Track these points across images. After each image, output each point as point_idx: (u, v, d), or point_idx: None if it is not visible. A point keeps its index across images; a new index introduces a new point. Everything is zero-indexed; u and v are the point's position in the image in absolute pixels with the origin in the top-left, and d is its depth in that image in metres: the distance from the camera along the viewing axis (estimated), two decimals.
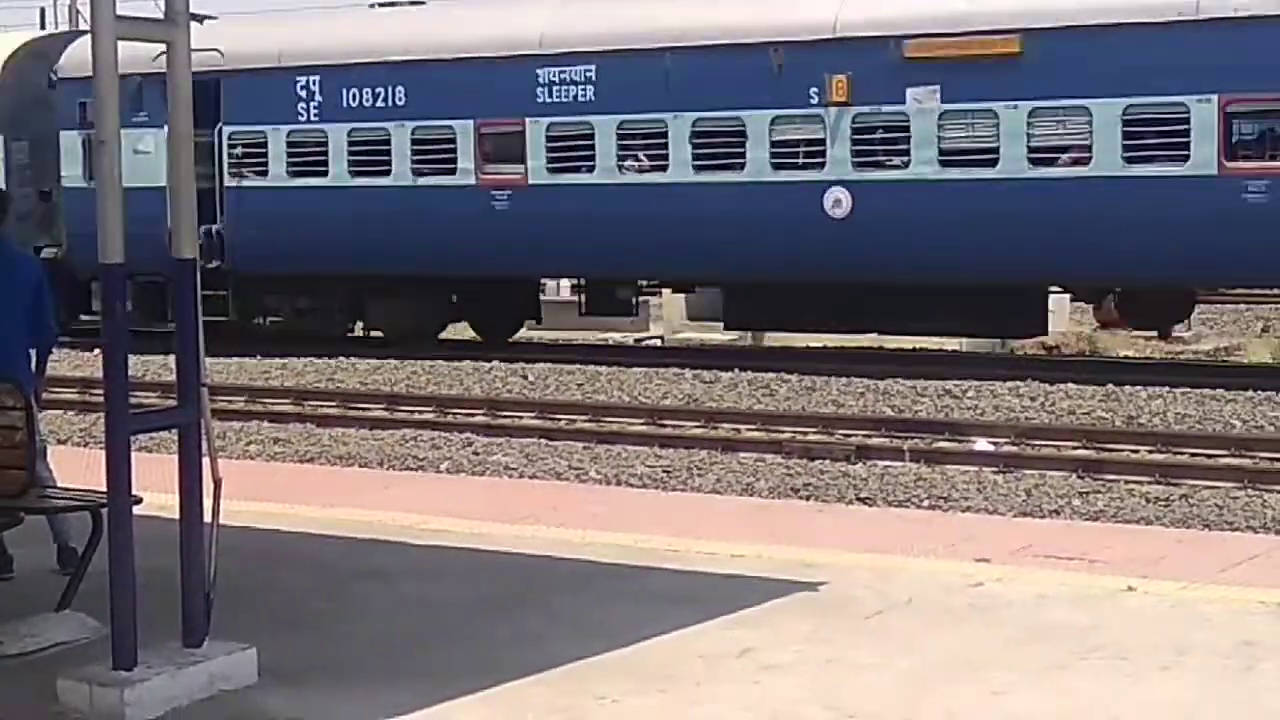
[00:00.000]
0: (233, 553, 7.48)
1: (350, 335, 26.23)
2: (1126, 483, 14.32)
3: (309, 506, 11.26)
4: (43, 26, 46.02)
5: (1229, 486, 14.07)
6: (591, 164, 22.81)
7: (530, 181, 23.16)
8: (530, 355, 23.36)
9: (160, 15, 7.30)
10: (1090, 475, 14.66)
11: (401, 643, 7.79)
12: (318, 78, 24.72)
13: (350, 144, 24.53)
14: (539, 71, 22.96)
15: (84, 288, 26.20)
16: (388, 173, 24.22)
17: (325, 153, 24.76)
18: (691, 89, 21.94)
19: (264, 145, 25.31)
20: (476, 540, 10.01)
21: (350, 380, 22.40)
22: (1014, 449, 15.90)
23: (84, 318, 28.28)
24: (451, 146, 23.72)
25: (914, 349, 23.93)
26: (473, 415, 18.96)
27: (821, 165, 21.34)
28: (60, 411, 19.56)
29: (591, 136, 22.70)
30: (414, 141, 23.99)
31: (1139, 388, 18.91)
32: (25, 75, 27.67)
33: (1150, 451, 15.66)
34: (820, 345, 24.59)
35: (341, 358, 24.04)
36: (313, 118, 24.82)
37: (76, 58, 26.53)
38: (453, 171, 23.70)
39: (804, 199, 21.35)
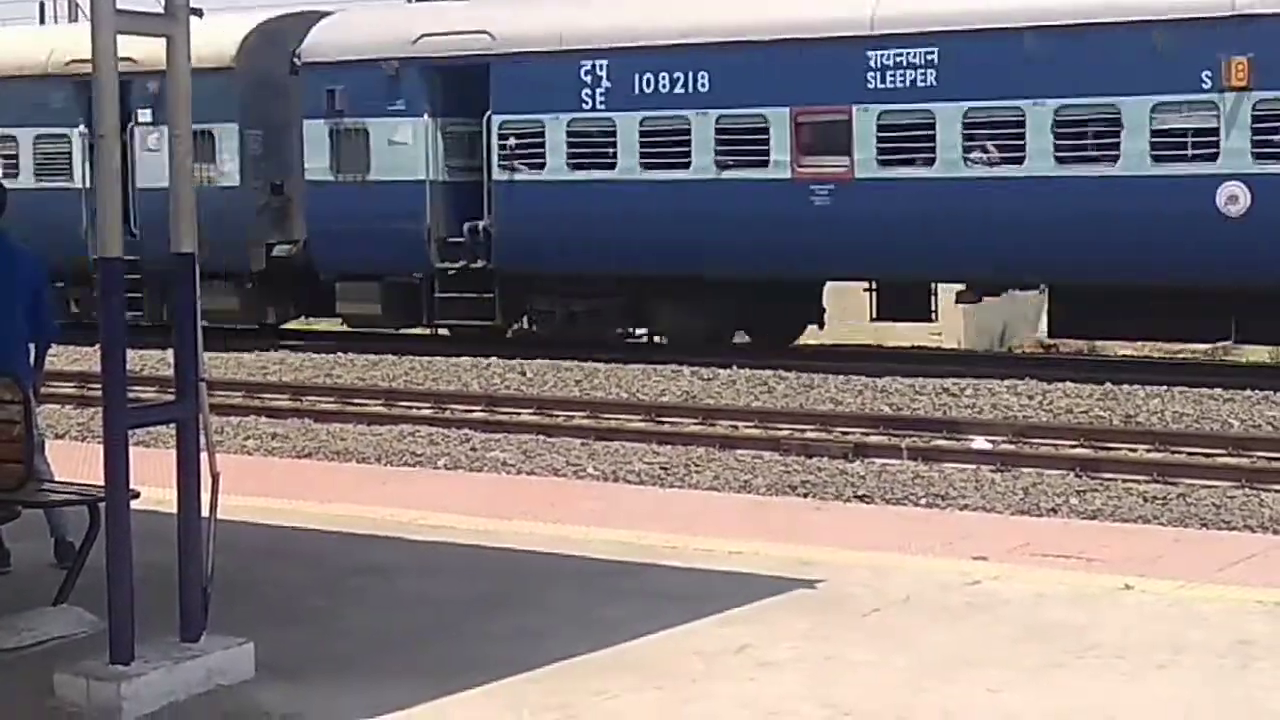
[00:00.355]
0: (230, 548, 7.47)
1: (630, 341, 24.25)
2: (1124, 481, 14.34)
3: (307, 502, 11.26)
4: (42, 20, 45.86)
5: (1226, 486, 14.09)
6: (931, 156, 20.91)
7: (856, 175, 21.28)
8: (528, 351, 23.35)
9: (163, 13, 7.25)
10: (1088, 474, 14.68)
11: (398, 638, 7.80)
12: (606, 62, 22.68)
13: (642, 134, 22.56)
14: (870, 54, 21.04)
15: (326, 288, 24.92)
16: (686, 165, 22.29)
17: (613, 144, 22.77)
18: (1054, 72, 19.99)
19: (541, 135, 23.26)
20: (474, 536, 10.01)
21: (348, 376, 22.41)
22: (1012, 447, 15.91)
23: (300, 321, 27.14)
24: (763, 137, 21.76)
25: (912, 347, 23.93)
26: (471, 411, 18.96)
27: (1214, 157, 19.39)
28: (58, 406, 19.58)
29: (932, 126, 20.79)
30: (718, 131, 22.05)
31: (1137, 387, 18.93)
32: (259, 59, 25.67)
33: (1148, 450, 15.68)
34: (818, 343, 24.58)
35: (340, 353, 24.05)
36: (599, 105, 22.80)
37: (324, 41, 25.00)
38: (764, 164, 21.77)
39: (1192, 195, 19.40)
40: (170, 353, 7.59)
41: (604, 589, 8.65)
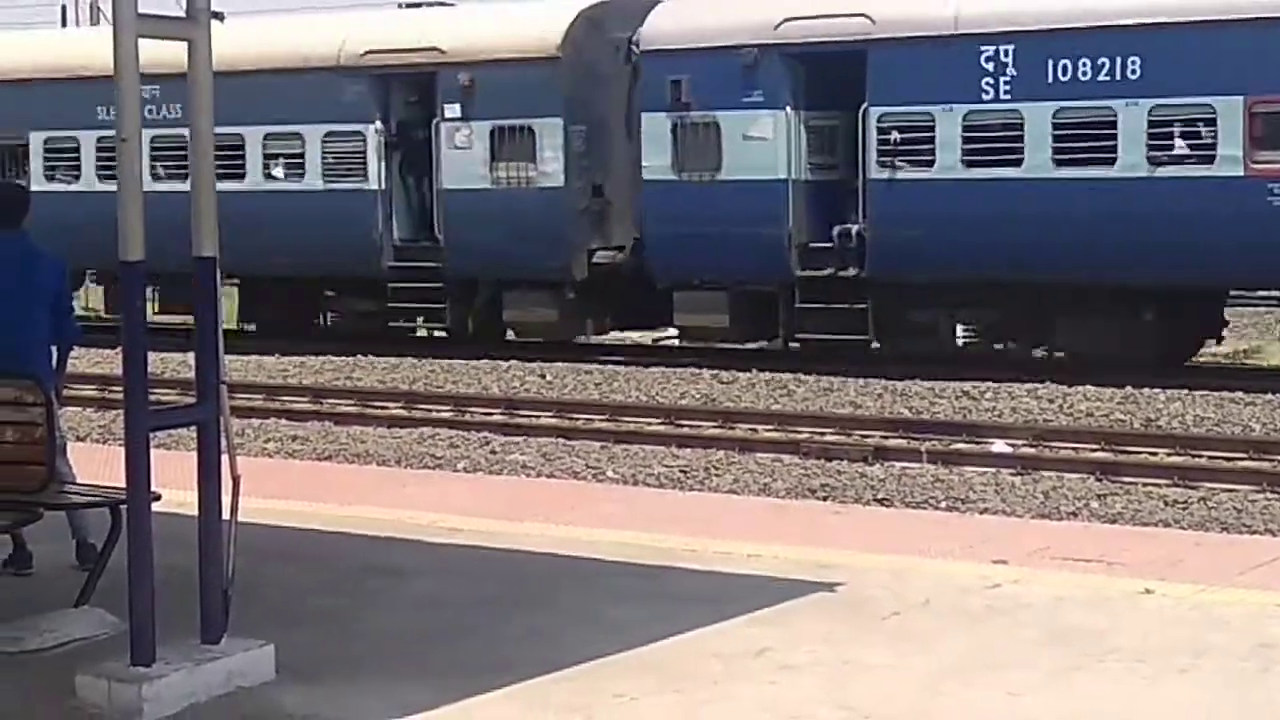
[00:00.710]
0: (251, 550, 7.49)
1: (1034, 357, 22.10)
2: (1144, 485, 14.33)
3: (326, 504, 11.27)
4: (64, 24, 46.01)
5: (1247, 489, 14.07)
6: None
7: None
8: (547, 354, 23.36)
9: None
10: (1108, 477, 14.67)
11: (418, 640, 7.81)
12: (1012, 46, 20.51)
13: (1055, 127, 20.45)
14: None
15: (660, 297, 22.85)
16: (1111, 161, 20.14)
17: (1019, 138, 20.66)
18: None
19: (930, 129, 21.16)
20: (493, 539, 10.02)
21: (368, 379, 22.44)
22: (1032, 451, 15.91)
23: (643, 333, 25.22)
24: (1209, 129, 19.76)
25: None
26: (490, 414, 18.99)
27: None
28: (80, 408, 19.64)
29: None
30: (1151, 123, 19.97)
31: (1157, 390, 18.91)
32: (585, 48, 23.53)
33: (1168, 454, 15.65)
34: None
35: (359, 355, 24.08)
36: (1002, 95, 20.68)
37: (667, 26, 22.95)
38: (1210, 159, 19.72)
39: None
40: (191, 355, 7.61)
41: (623, 591, 8.65)
